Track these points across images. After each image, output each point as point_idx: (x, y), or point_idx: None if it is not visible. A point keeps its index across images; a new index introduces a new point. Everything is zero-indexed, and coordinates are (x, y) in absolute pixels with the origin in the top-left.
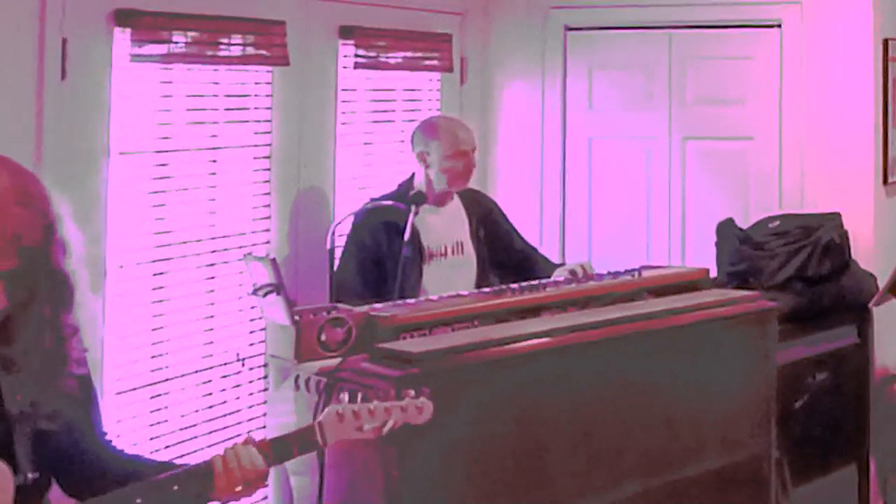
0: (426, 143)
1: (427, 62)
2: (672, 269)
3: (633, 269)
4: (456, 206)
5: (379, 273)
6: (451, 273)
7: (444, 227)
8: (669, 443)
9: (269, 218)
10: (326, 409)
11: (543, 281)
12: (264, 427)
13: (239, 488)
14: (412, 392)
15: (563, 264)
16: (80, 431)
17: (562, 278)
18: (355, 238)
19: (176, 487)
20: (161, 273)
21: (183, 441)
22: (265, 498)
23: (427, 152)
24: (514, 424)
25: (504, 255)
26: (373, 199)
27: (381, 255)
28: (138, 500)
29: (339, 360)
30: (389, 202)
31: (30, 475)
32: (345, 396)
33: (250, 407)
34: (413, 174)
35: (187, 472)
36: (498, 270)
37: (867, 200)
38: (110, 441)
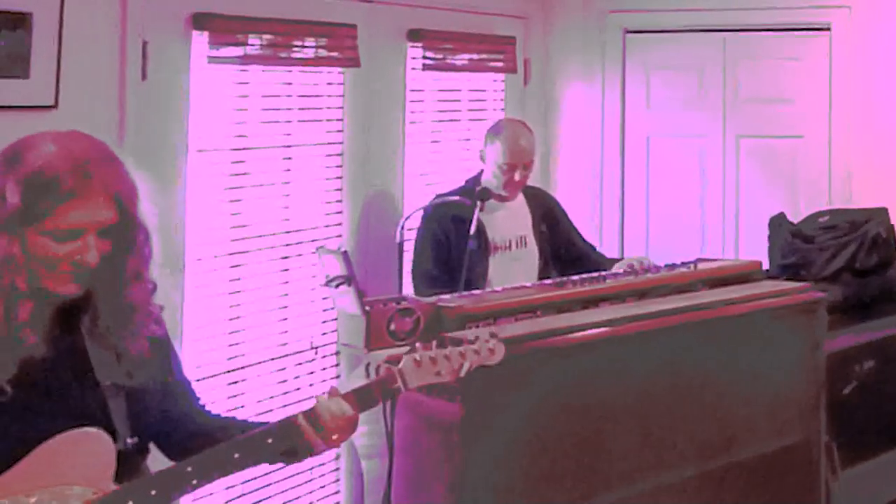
0: (488, 145)
1: (492, 64)
2: (726, 261)
3: (689, 262)
4: (520, 202)
5: (449, 264)
6: (514, 266)
7: (509, 222)
8: (723, 428)
9: (340, 213)
10: (404, 357)
11: (603, 273)
12: None
13: (335, 437)
14: (484, 334)
15: (620, 259)
16: (171, 392)
17: (620, 271)
18: (427, 231)
19: (270, 441)
20: (237, 265)
21: None
22: (337, 480)
23: (488, 153)
24: (574, 410)
25: (564, 250)
26: (439, 195)
27: (449, 247)
28: (236, 455)
29: (407, 348)
30: (457, 197)
31: (129, 440)
32: (420, 345)
33: (323, 393)
34: (481, 171)
35: (280, 425)
36: (558, 265)
37: None
38: (202, 403)
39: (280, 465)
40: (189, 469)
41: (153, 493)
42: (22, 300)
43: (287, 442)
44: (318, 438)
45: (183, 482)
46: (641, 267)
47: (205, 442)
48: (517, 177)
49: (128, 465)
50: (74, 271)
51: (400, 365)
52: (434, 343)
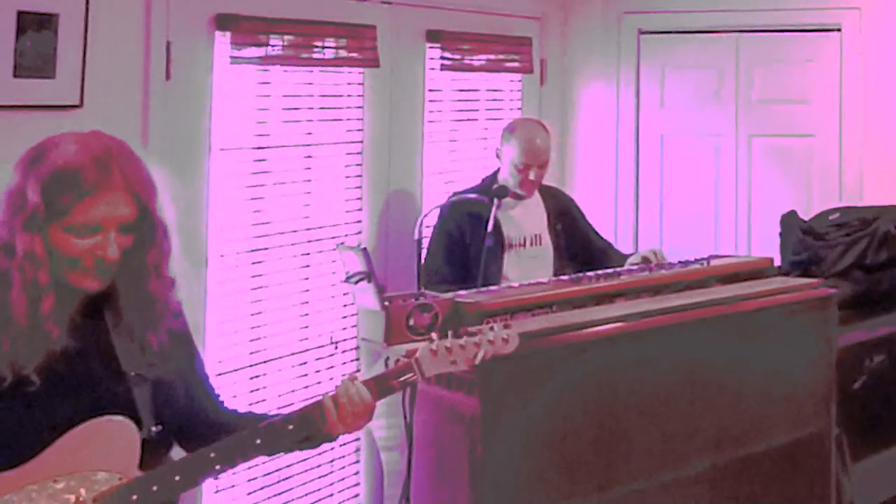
0: (505, 144)
1: (509, 64)
2: (739, 258)
3: (703, 259)
4: (536, 200)
5: (463, 260)
6: (529, 263)
7: (524, 220)
8: (737, 421)
9: (360, 210)
10: (421, 346)
11: (618, 269)
12: None
13: (350, 422)
14: (498, 325)
15: (635, 253)
16: (190, 386)
17: (636, 264)
18: (442, 228)
19: (290, 427)
20: (259, 262)
21: None
22: (357, 473)
23: (504, 152)
24: (590, 404)
25: (579, 248)
26: (456, 193)
27: (466, 244)
28: (258, 441)
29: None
30: (474, 195)
31: (153, 429)
32: (436, 335)
33: (344, 376)
34: (498, 169)
35: (300, 412)
36: (574, 263)
37: None
38: (220, 397)
39: (300, 456)
40: (212, 455)
41: (177, 478)
42: (45, 294)
43: (307, 428)
44: (338, 423)
45: (206, 467)
46: (657, 259)
47: (220, 436)
48: (532, 176)
49: (152, 453)
50: (96, 266)
51: (417, 354)
52: (450, 333)
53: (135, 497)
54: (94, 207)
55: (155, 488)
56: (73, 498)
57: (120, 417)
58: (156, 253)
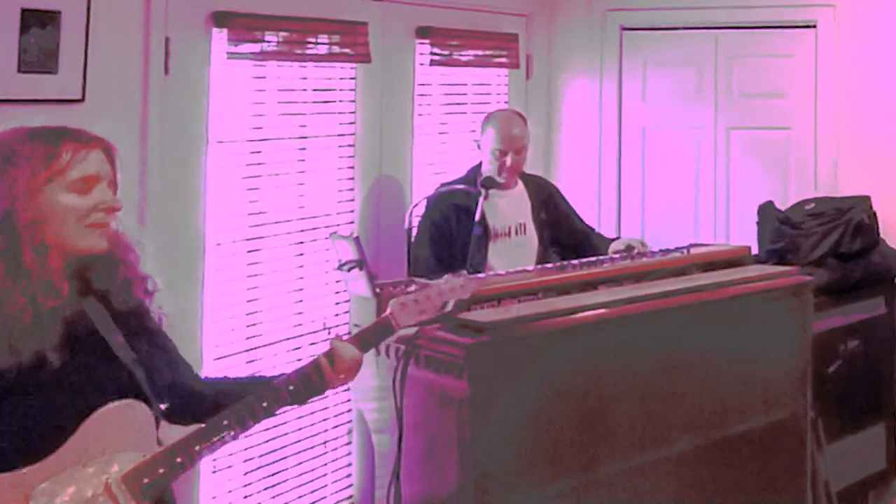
0: (483, 133)
1: (496, 59)
2: (718, 246)
3: (683, 247)
4: (520, 190)
5: (449, 250)
6: (514, 251)
7: (509, 210)
8: (716, 404)
9: (352, 200)
10: (391, 301)
11: (601, 258)
12: (348, 389)
13: (342, 376)
14: (451, 276)
15: (618, 238)
16: (174, 362)
17: (619, 251)
18: (428, 218)
19: (291, 388)
20: (255, 250)
21: None
22: (349, 454)
23: (483, 141)
24: (576, 388)
25: (563, 235)
26: (444, 184)
27: (451, 234)
28: (264, 403)
29: (416, 328)
30: (462, 186)
31: (162, 407)
32: (401, 290)
33: (335, 336)
34: (482, 161)
35: (299, 373)
36: (558, 249)
37: (894, 184)
38: (197, 374)
39: (295, 438)
40: (225, 422)
41: (197, 447)
42: (52, 252)
43: (307, 387)
44: (335, 377)
45: (222, 433)
46: (640, 247)
47: (206, 405)
48: (509, 162)
49: (164, 429)
50: (108, 218)
51: (389, 310)
52: (414, 287)
53: (161, 470)
54: (83, 162)
55: (179, 460)
56: (105, 478)
57: (132, 400)
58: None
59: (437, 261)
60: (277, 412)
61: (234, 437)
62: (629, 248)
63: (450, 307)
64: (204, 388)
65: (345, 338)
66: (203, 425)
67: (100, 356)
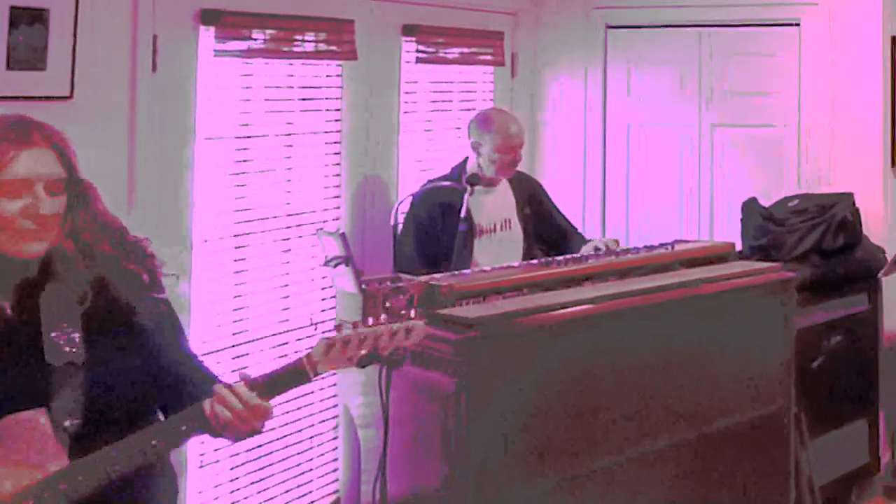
0: (480, 135)
1: (481, 57)
2: (702, 243)
3: (667, 243)
4: (504, 186)
5: (433, 247)
6: (499, 247)
7: (494, 206)
8: (701, 399)
9: (339, 197)
10: (318, 341)
11: (585, 254)
12: (335, 385)
13: (239, 425)
14: (406, 314)
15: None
16: (170, 351)
17: (590, 251)
18: (413, 215)
19: (183, 427)
20: (242, 246)
21: None
22: (335, 449)
23: (480, 143)
24: (561, 384)
25: (546, 231)
26: (429, 181)
27: (436, 230)
28: (153, 442)
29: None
30: (447, 183)
31: (66, 423)
32: (340, 326)
33: (236, 381)
34: (466, 158)
35: (190, 414)
36: (541, 246)
37: (877, 181)
38: (200, 359)
39: (281, 433)
40: (114, 452)
41: (80, 478)
42: None
43: (199, 426)
44: (224, 425)
45: (106, 470)
46: (606, 248)
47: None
48: (510, 161)
49: (82, 445)
50: (35, 226)
51: (311, 350)
52: (352, 324)
53: (47, 495)
54: (16, 162)
55: (62, 487)
56: None
57: (36, 411)
58: (95, 211)
59: (421, 258)
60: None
61: (119, 474)
62: (596, 249)
63: (372, 354)
64: (201, 378)
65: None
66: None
67: (24, 358)
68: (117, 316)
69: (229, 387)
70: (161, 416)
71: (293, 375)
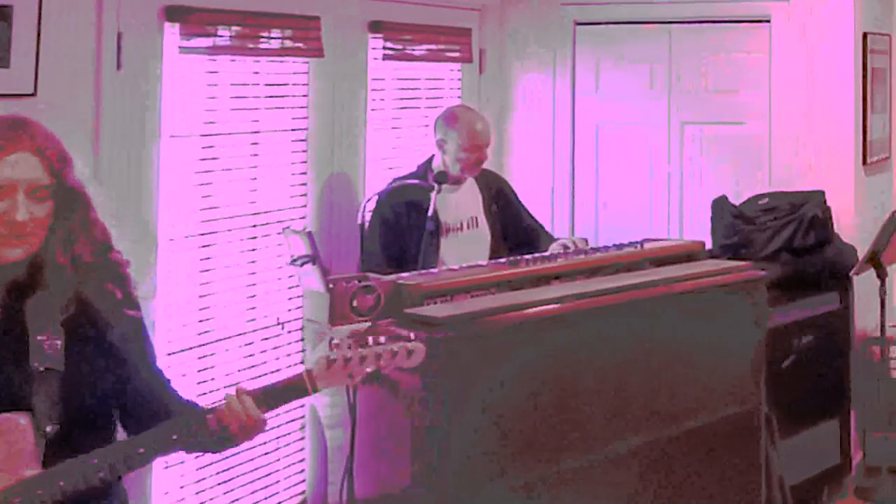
0: (446, 133)
1: (449, 54)
2: (671, 241)
3: (636, 242)
4: (471, 184)
5: (399, 246)
6: (466, 246)
7: (461, 204)
8: (670, 399)
9: (305, 195)
10: (316, 357)
11: (554, 253)
12: None
13: (236, 435)
14: (405, 335)
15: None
16: (138, 367)
17: (558, 250)
18: (378, 214)
19: (175, 437)
20: (208, 245)
21: None
22: (302, 449)
23: (445, 141)
24: (528, 382)
25: (513, 230)
26: (395, 179)
27: (402, 229)
28: (140, 451)
29: (369, 324)
30: (415, 181)
31: (48, 428)
32: (339, 343)
33: (289, 367)
34: (432, 156)
35: (183, 422)
36: (508, 244)
37: (848, 179)
38: (168, 381)
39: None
40: (94, 461)
41: (61, 483)
42: None
43: (191, 437)
44: (222, 435)
45: (91, 472)
46: (575, 246)
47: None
48: (475, 159)
49: (56, 452)
50: (7, 233)
51: (309, 366)
52: (352, 342)
53: (17, 500)
54: None
55: (39, 491)
56: None
57: (18, 414)
58: (85, 220)
59: (387, 257)
60: (156, 459)
61: (103, 482)
62: (565, 247)
63: (371, 370)
64: (171, 402)
65: (246, 386)
66: (67, 461)
67: (11, 362)
68: (94, 329)
69: (238, 397)
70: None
71: (292, 390)
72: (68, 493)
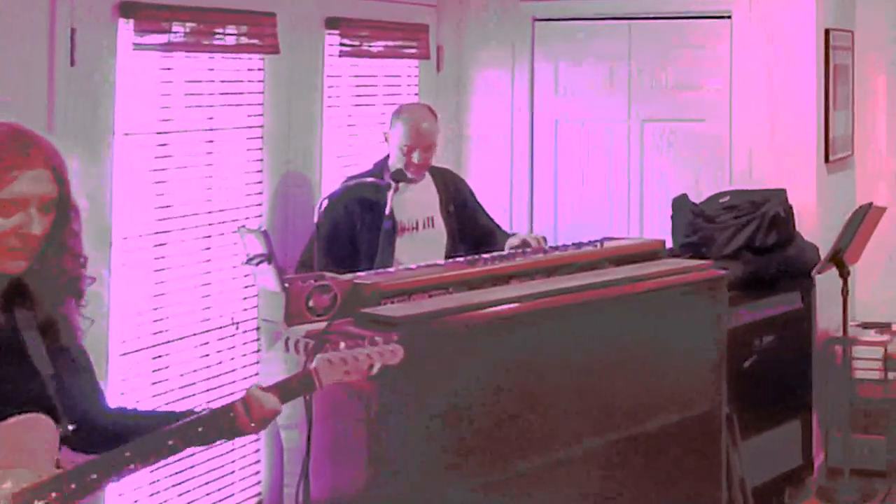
0: (392, 126)
1: (406, 50)
2: (631, 240)
3: (596, 240)
4: (427, 183)
5: (352, 246)
6: (422, 246)
7: (416, 203)
8: (630, 400)
9: (261, 193)
10: (318, 357)
11: (512, 251)
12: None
13: (255, 425)
14: (383, 338)
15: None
16: (90, 390)
17: (515, 246)
18: (330, 214)
19: (200, 429)
20: (162, 244)
21: (182, 398)
22: (257, 451)
23: (391, 135)
24: (485, 383)
25: (471, 230)
26: (350, 178)
27: (355, 229)
28: (170, 441)
29: (325, 323)
30: (371, 179)
31: (70, 427)
32: (333, 346)
33: (244, 367)
34: (388, 154)
35: (212, 415)
36: (465, 244)
37: (810, 177)
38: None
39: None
40: (128, 454)
41: (94, 476)
42: None
43: (217, 430)
44: (249, 424)
45: (122, 465)
46: (536, 244)
47: (108, 436)
48: (416, 158)
49: (67, 451)
50: (21, 246)
51: (314, 364)
52: (343, 345)
53: (54, 495)
54: (15, 183)
55: (73, 486)
56: None
57: (39, 414)
58: (72, 232)
59: (338, 257)
60: (184, 451)
61: (134, 471)
62: (524, 244)
63: (375, 370)
64: (109, 418)
65: (264, 384)
66: (101, 455)
67: (17, 365)
68: (70, 338)
69: (263, 391)
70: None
71: (303, 385)
72: (98, 486)
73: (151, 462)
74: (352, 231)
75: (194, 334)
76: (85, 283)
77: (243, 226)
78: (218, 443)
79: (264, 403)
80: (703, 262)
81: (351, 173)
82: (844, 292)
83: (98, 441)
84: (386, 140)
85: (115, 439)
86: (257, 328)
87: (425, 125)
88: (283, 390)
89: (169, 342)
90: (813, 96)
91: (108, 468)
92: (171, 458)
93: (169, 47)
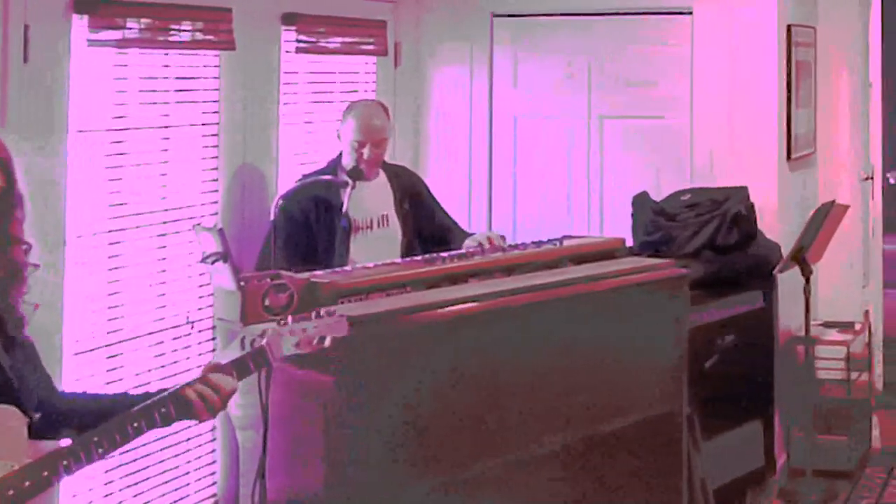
0: (343, 123)
1: (363, 47)
2: (591, 238)
3: (555, 239)
4: (382, 181)
5: (307, 244)
6: (376, 244)
7: (371, 201)
8: (589, 400)
9: (216, 191)
10: (269, 331)
11: (471, 250)
12: None
13: (216, 406)
14: (326, 312)
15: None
16: (44, 377)
17: (472, 247)
18: (284, 212)
19: (163, 410)
20: (116, 242)
21: None
22: (213, 451)
23: (342, 131)
24: (444, 383)
25: (427, 228)
26: (304, 176)
27: (310, 227)
28: (135, 424)
29: (282, 322)
30: (327, 177)
31: (36, 416)
32: (281, 321)
33: (199, 366)
34: (342, 152)
35: (172, 397)
36: (422, 242)
37: (772, 175)
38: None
39: (156, 434)
40: (96, 439)
41: (64, 463)
42: None
43: (180, 412)
44: (205, 408)
45: (91, 451)
46: (492, 243)
47: (65, 422)
48: (367, 154)
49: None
50: None
51: (265, 340)
52: (290, 319)
53: (27, 483)
54: None
55: (45, 474)
56: None
57: (8, 406)
58: (17, 222)
59: (291, 256)
60: (148, 432)
61: (102, 457)
62: (480, 244)
63: (327, 343)
64: (63, 403)
65: (223, 361)
66: (71, 441)
67: None
68: (18, 330)
69: (216, 371)
70: None
71: (258, 358)
72: (70, 472)
73: (119, 444)
74: (307, 230)
75: (149, 333)
76: (27, 271)
77: (199, 224)
78: (179, 424)
79: (223, 385)
80: (663, 260)
81: (307, 171)
82: (807, 291)
83: (59, 426)
84: (339, 137)
85: (76, 423)
86: (213, 327)
87: (376, 121)
88: (239, 367)
89: (124, 341)
90: (775, 93)
91: (77, 454)
92: (128, 453)
93: (124, 43)
